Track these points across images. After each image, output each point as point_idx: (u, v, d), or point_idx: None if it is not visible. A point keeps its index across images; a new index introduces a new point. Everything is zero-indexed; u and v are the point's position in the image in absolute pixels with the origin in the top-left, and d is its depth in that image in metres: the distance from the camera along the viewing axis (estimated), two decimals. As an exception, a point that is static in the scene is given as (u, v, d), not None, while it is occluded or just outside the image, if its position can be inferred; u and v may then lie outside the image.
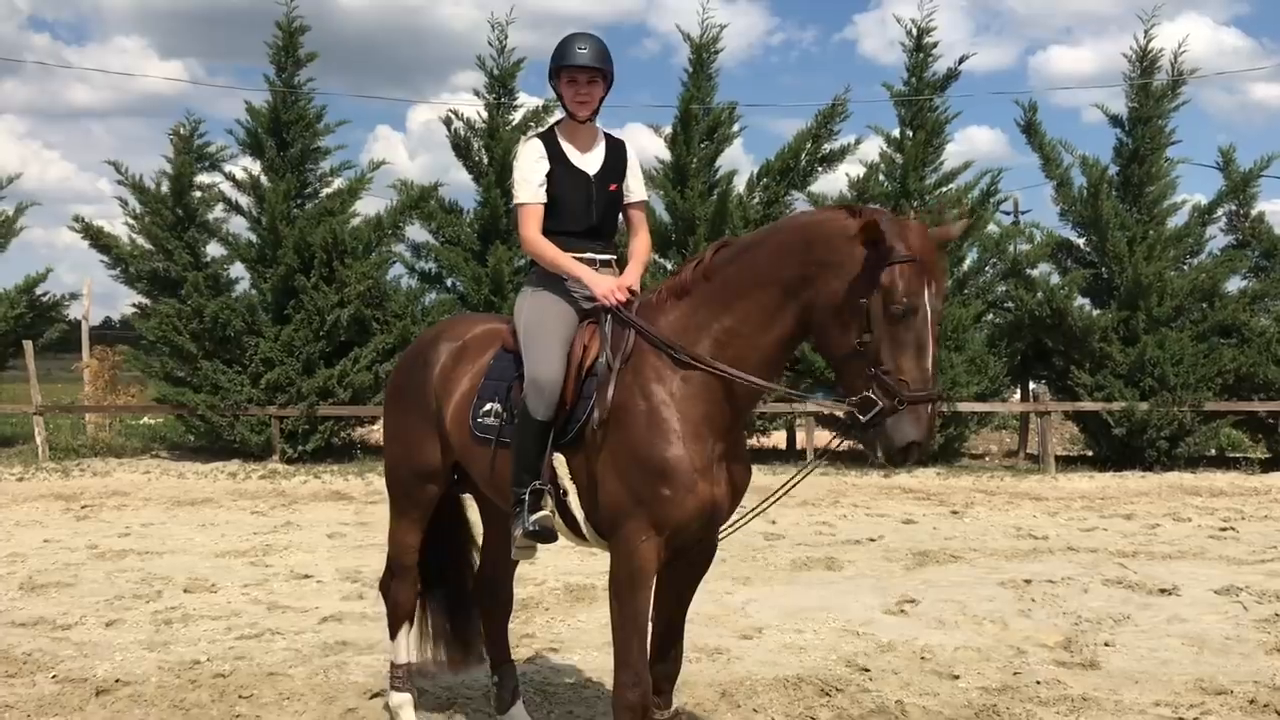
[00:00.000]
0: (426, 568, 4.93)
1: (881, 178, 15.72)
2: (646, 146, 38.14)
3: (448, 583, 5.03)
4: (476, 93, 16.25)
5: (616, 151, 4.48)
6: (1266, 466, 14.75)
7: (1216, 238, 16.08)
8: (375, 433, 17.35)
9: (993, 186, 15.80)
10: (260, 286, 15.58)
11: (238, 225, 16.22)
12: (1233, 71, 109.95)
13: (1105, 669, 5.82)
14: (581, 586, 7.58)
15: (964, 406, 14.76)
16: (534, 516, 3.97)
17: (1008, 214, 31.76)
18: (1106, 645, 6.25)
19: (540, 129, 4.53)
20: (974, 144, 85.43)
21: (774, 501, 4.14)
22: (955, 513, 11.51)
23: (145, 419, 18.56)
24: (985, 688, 5.50)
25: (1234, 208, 15.90)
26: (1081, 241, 16.01)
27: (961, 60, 15.97)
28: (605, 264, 4.32)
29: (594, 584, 7.52)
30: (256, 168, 15.99)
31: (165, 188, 15.66)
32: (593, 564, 7.84)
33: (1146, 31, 15.69)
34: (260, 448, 14.98)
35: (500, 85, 16.02)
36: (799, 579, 8.15)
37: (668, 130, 16.15)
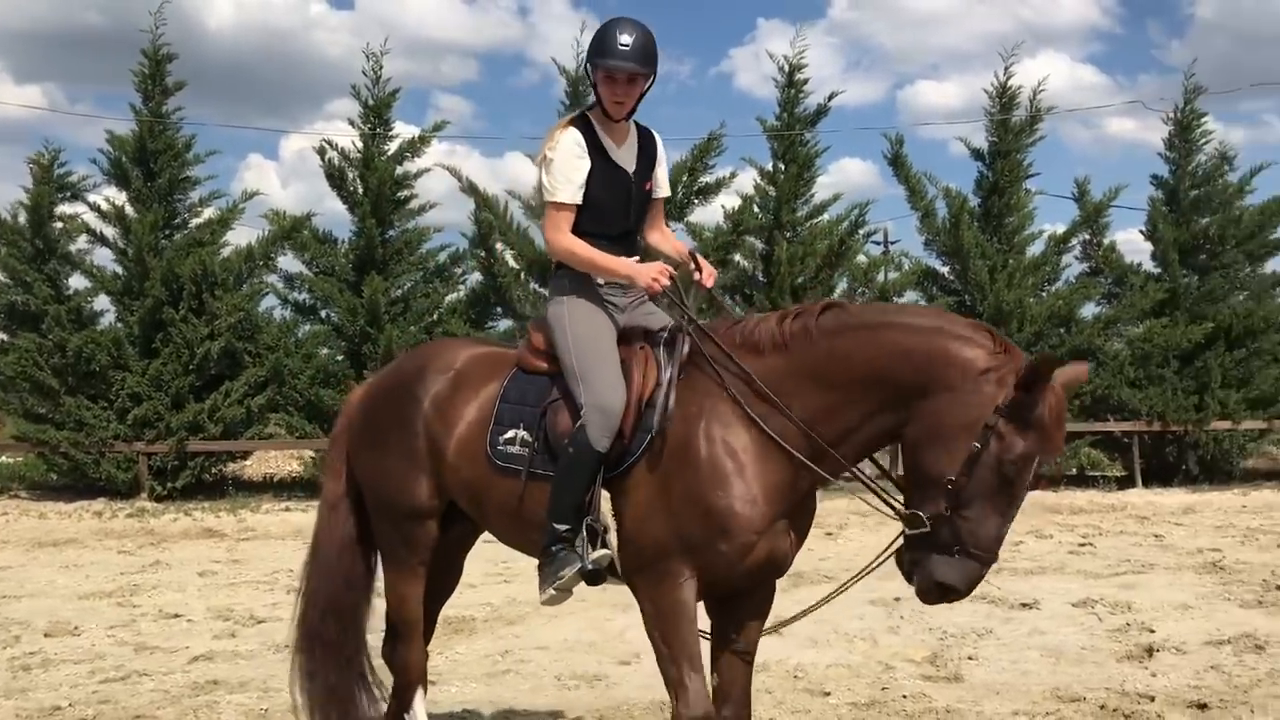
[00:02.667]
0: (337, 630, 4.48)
1: (756, 209, 16.02)
2: (521, 176, 38.20)
3: (344, 649, 4.53)
4: (351, 122, 15.91)
5: (649, 145, 4.15)
6: (1122, 484, 15.41)
7: (1071, 265, 16.73)
8: (248, 468, 16.96)
9: (861, 218, 16.15)
10: (127, 319, 15.11)
11: (102, 257, 15.72)
12: (1088, 107, 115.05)
13: (969, 681, 6.05)
14: (459, 619, 7.52)
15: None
16: (595, 554, 3.71)
17: (878, 244, 32.72)
18: (970, 659, 6.49)
19: (574, 113, 4.14)
20: (847, 175, 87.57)
21: (868, 572, 3.78)
22: (829, 534, 11.76)
23: (3, 457, 17.81)
24: (855, 703, 5.67)
25: (1088, 237, 16.59)
26: (946, 270, 16.49)
27: (831, 97, 16.30)
28: None
29: (472, 616, 7.48)
30: (122, 198, 15.52)
31: (23, 219, 15.09)
32: (470, 596, 7.80)
33: (1007, 69, 16.27)
34: (127, 485, 14.48)
35: (375, 115, 15.82)
36: (677, 604, 8.22)
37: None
